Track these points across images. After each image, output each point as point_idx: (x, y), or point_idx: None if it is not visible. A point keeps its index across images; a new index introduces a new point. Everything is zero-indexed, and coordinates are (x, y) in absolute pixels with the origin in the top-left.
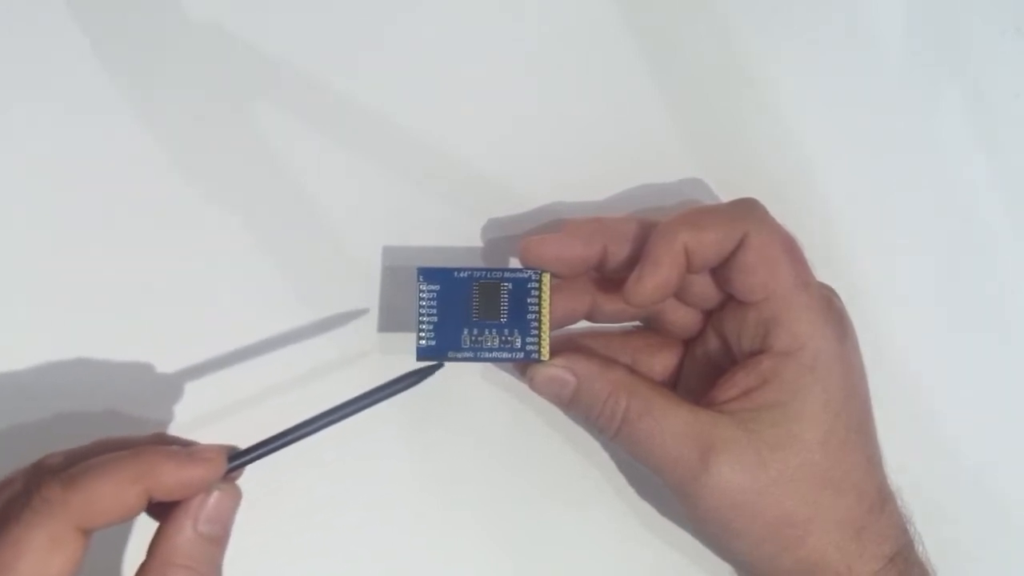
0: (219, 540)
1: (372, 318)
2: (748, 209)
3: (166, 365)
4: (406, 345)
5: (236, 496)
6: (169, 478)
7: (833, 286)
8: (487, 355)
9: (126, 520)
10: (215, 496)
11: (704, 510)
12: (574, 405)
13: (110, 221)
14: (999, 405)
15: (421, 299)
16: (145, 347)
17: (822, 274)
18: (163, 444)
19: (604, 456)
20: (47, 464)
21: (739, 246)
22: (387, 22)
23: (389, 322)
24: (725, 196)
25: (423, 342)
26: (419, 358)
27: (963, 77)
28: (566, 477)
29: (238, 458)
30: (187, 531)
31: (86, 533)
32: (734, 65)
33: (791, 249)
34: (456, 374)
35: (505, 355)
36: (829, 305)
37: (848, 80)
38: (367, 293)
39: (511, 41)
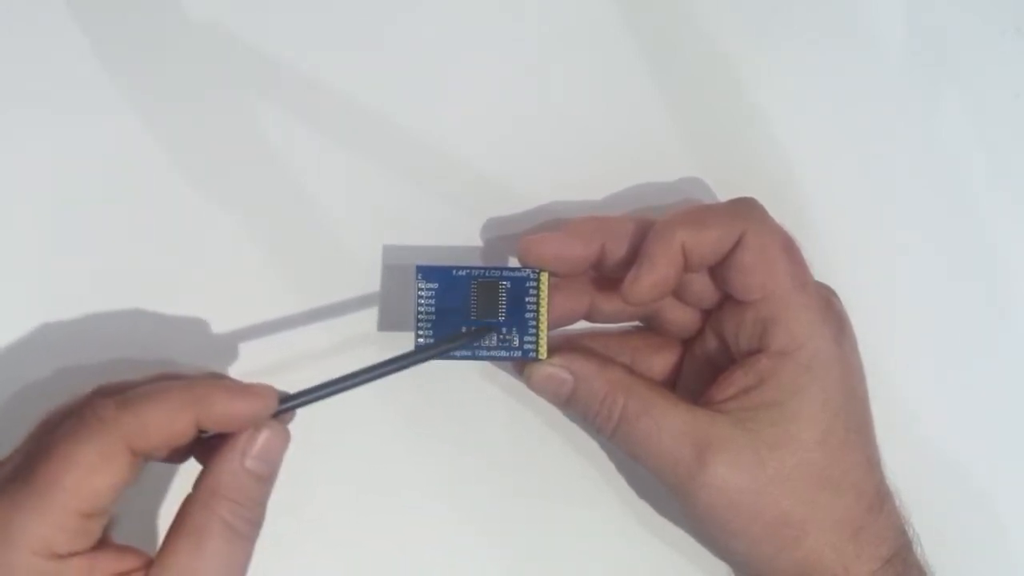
0: (266, 479)
1: (372, 317)
2: (746, 208)
3: (164, 365)
4: (406, 343)
5: (285, 436)
6: (220, 408)
7: (832, 286)
8: (485, 354)
9: (175, 445)
10: (264, 434)
11: (701, 510)
12: (572, 404)
13: (108, 222)
14: (998, 406)
15: (420, 297)
16: (142, 348)
17: (821, 274)
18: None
19: (603, 456)
20: (103, 388)
21: (737, 245)
22: (387, 22)
23: (389, 321)
24: (724, 196)
25: (421, 340)
26: None
27: (963, 77)
28: (565, 477)
29: (289, 401)
30: (234, 465)
31: (135, 455)
32: (734, 65)
33: (789, 248)
34: (454, 373)
35: (503, 354)
36: (827, 305)
37: (848, 80)
38: (367, 292)
39: (511, 41)
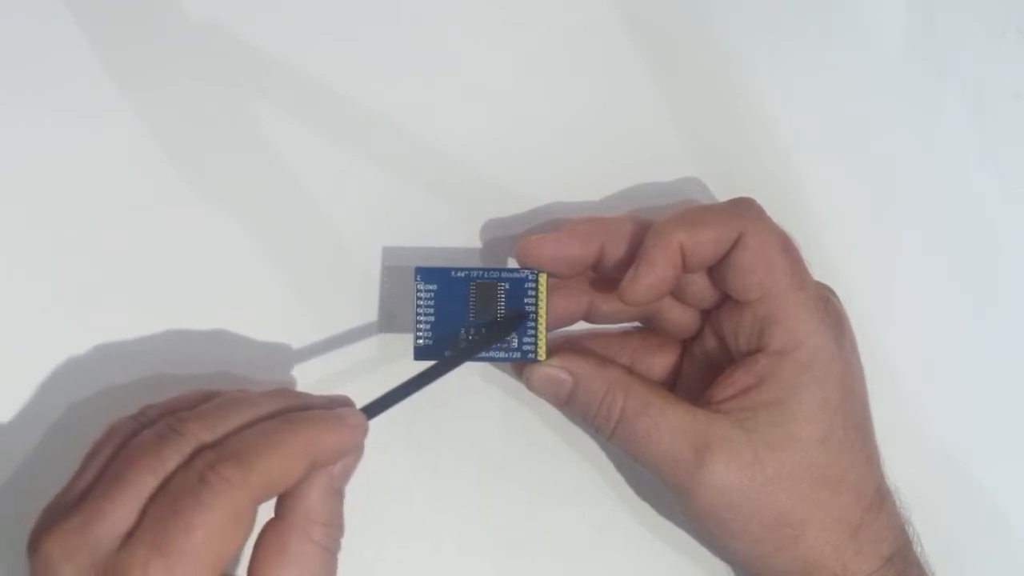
0: (343, 494)
1: (372, 318)
2: (744, 208)
3: (164, 365)
4: (405, 344)
5: (361, 452)
6: (329, 449)
7: (831, 286)
8: (484, 355)
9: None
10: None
11: (700, 509)
12: (571, 405)
13: (107, 222)
14: (998, 405)
15: (419, 299)
16: (142, 347)
17: (819, 274)
18: (294, 401)
19: (602, 456)
20: (192, 430)
21: (735, 245)
22: (388, 22)
23: (388, 322)
24: (723, 196)
25: (420, 341)
26: (416, 358)
27: (963, 77)
28: (564, 477)
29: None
30: (324, 488)
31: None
32: (733, 65)
33: (787, 248)
34: (454, 374)
35: (502, 355)
36: (826, 304)
37: (848, 80)
38: (367, 293)
39: (511, 41)
